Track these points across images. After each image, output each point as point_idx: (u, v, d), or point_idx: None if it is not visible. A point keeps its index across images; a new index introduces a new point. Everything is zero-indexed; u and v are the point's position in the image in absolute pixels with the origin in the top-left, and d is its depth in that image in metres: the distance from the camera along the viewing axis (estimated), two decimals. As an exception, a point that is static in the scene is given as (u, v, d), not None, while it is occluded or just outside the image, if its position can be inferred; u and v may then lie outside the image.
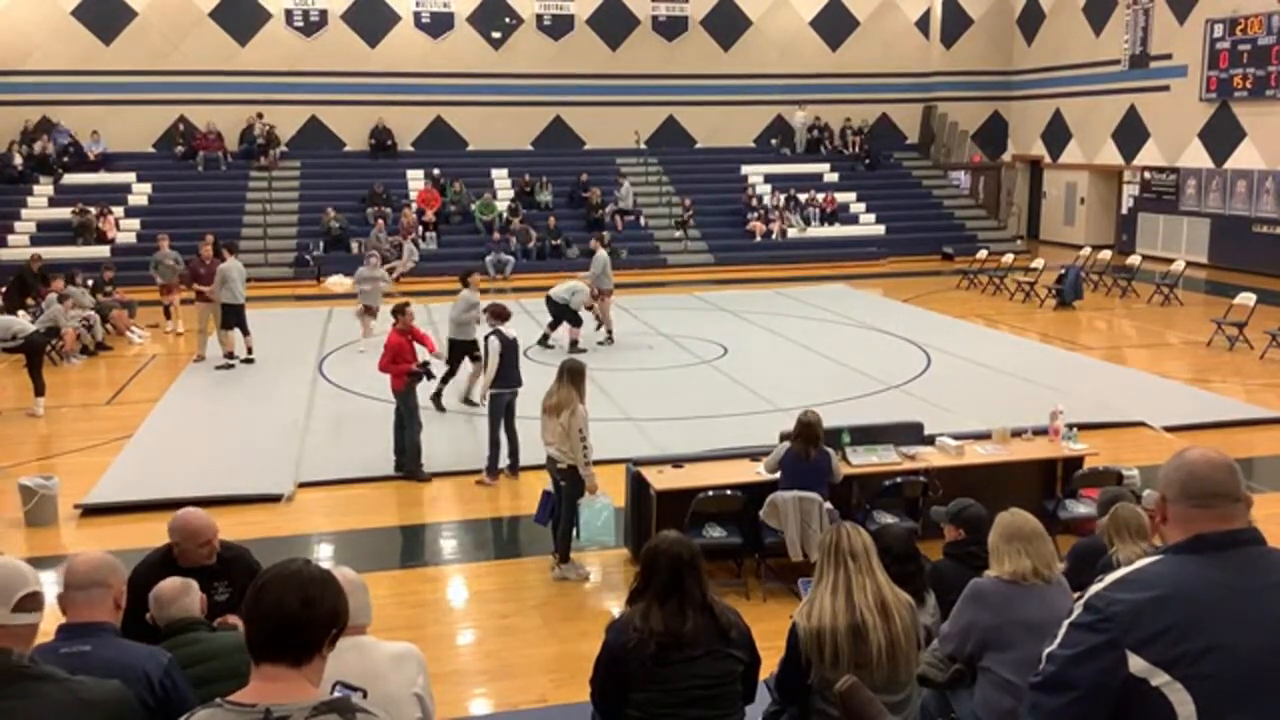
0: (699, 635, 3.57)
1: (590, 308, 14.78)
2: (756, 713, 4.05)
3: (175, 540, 4.43)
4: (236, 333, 13.90)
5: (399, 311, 9.63)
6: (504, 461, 9.33)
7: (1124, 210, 25.92)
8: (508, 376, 9.13)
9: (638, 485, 7.44)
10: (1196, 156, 23.59)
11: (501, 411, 9.15)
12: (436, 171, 25.14)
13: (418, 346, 9.94)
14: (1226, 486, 2.22)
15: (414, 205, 24.02)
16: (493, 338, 9.14)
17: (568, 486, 7.26)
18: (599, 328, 15.20)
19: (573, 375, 7.29)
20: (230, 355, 13.89)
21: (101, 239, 21.80)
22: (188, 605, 3.62)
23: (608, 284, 14.96)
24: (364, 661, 3.04)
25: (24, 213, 22.53)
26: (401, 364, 9.35)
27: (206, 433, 10.61)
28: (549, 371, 8.08)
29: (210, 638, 3.48)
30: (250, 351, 14.04)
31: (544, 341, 14.44)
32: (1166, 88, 24.15)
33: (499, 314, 9.30)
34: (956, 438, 7.96)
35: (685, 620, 3.56)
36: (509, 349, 9.12)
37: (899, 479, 7.35)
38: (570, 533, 7.29)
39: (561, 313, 14.22)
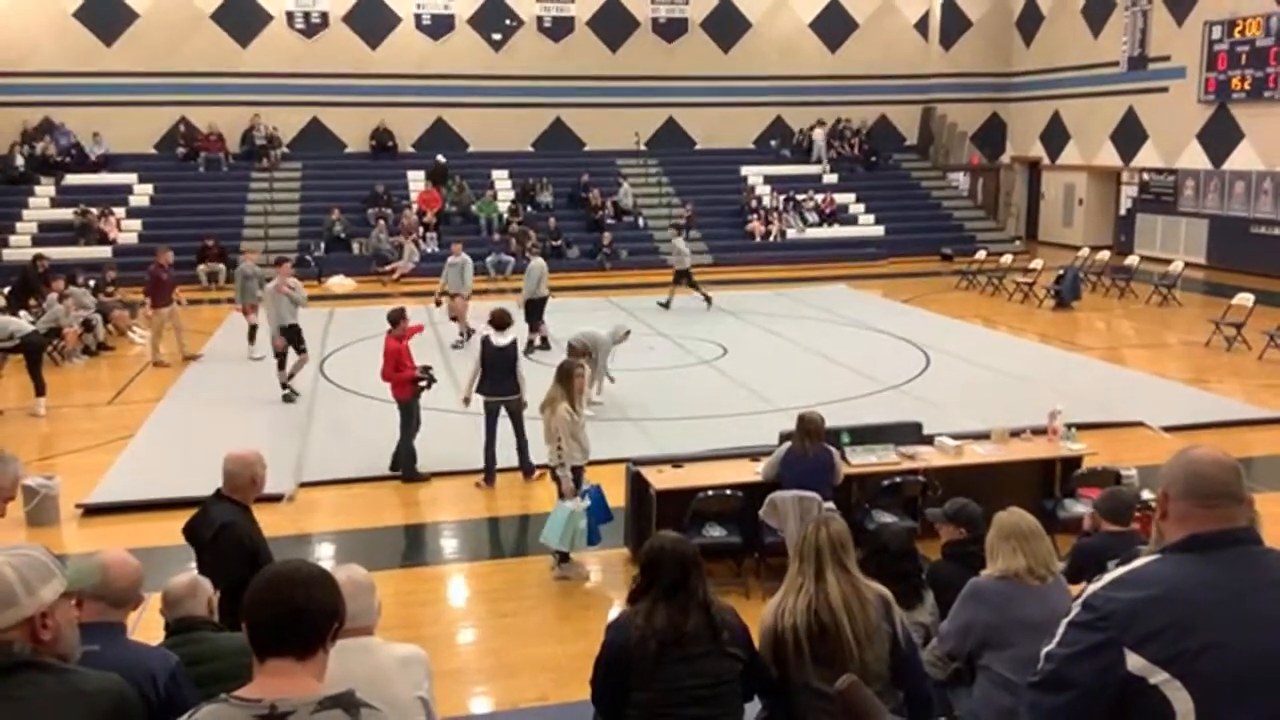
0: (699, 634, 3.59)
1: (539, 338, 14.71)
2: (754, 712, 4.07)
3: (255, 472, 4.72)
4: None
5: (396, 320, 9.54)
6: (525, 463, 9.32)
7: (1122, 211, 25.96)
8: (492, 383, 9.09)
9: (638, 485, 7.47)
10: (1195, 158, 23.63)
11: (492, 418, 9.13)
12: (441, 158, 25.15)
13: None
14: (1230, 487, 2.22)
15: (414, 206, 24.07)
16: (479, 342, 9.29)
17: (558, 485, 7.32)
18: (461, 334, 15.13)
19: (560, 375, 7.39)
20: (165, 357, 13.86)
21: (103, 240, 21.84)
22: (194, 605, 3.62)
23: (467, 289, 15.18)
24: (371, 664, 3.06)
25: (25, 214, 22.57)
26: (404, 371, 9.36)
27: (208, 432, 10.60)
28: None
29: (215, 638, 3.48)
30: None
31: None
32: (1165, 89, 24.18)
33: (494, 320, 9.27)
34: (955, 438, 7.98)
35: (688, 618, 3.58)
36: (489, 355, 9.08)
37: (898, 479, 7.38)
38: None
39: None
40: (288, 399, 12.06)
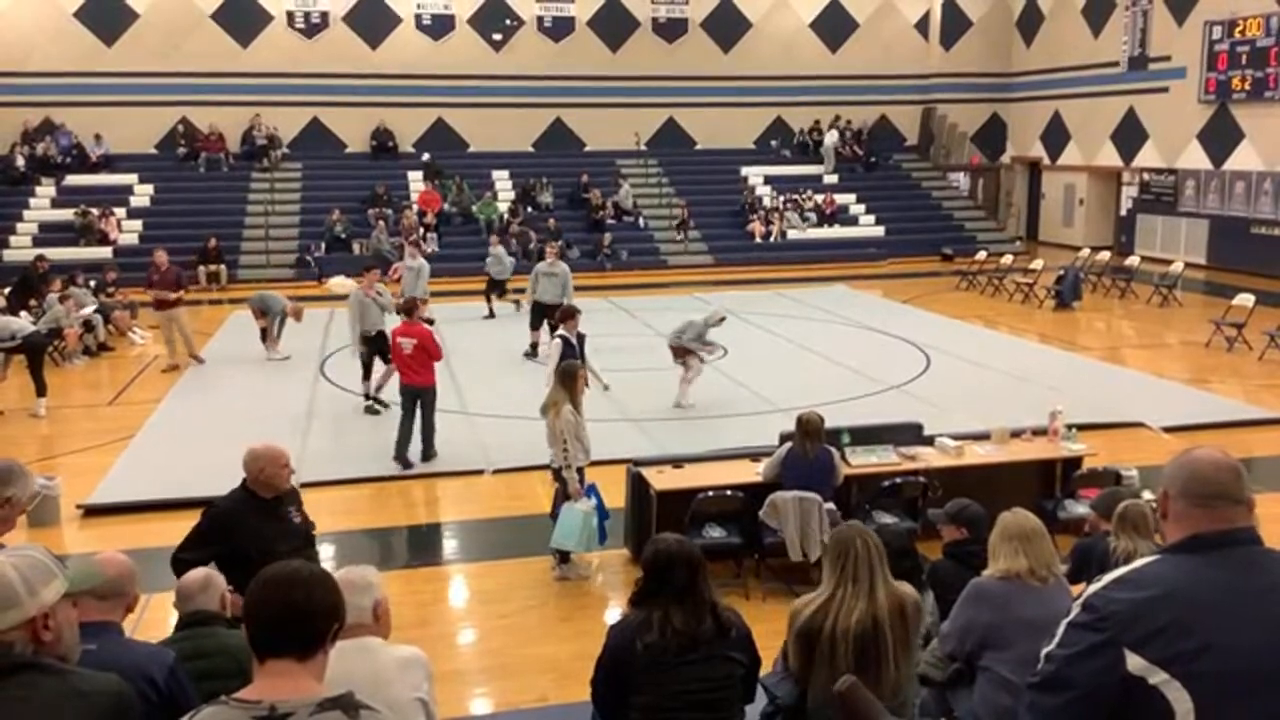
0: (711, 637, 3.62)
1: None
2: (754, 712, 4.07)
3: (261, 468, 4.81)
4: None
5: (411, 309, 10.03)
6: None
7: (1123, 211, 25.96)
8: None
9: (638, 485, 7.47)
10: (1195, 158, 23.63)
11: None
12: (426, 156, 25.16)
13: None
14: (1229, 489, 2.22)
15: (415, 207, 24.08)
16: None
17: (560, 488, 7.32)
18: None
19: (563, 377, 7.39)
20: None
21: (104, 240, 21.85)
22: (206, 600, 3.63)
23: (421, 294, 14.92)
24: (371, 665, 3.05)
25: (26, 214, 22.60)
26: (437, 351, 9.79)
27: (208, 433, 10.64)
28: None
29: (225, 634, 3.48)
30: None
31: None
32: (1165, 89, 24.18)
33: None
34: (956, 438, 7.98)
35: (701, 621, 3.61)
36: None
37: (898, 479, 7.38)
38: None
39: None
40: (371, 410, 11.50)
